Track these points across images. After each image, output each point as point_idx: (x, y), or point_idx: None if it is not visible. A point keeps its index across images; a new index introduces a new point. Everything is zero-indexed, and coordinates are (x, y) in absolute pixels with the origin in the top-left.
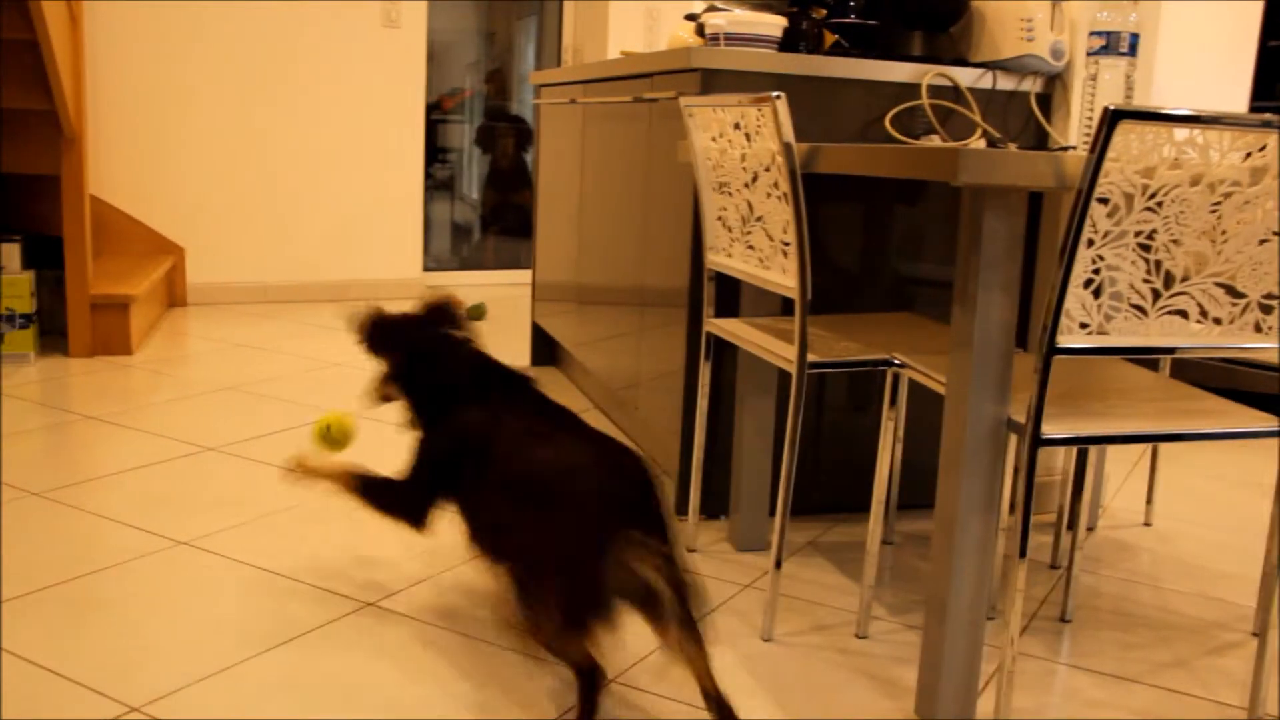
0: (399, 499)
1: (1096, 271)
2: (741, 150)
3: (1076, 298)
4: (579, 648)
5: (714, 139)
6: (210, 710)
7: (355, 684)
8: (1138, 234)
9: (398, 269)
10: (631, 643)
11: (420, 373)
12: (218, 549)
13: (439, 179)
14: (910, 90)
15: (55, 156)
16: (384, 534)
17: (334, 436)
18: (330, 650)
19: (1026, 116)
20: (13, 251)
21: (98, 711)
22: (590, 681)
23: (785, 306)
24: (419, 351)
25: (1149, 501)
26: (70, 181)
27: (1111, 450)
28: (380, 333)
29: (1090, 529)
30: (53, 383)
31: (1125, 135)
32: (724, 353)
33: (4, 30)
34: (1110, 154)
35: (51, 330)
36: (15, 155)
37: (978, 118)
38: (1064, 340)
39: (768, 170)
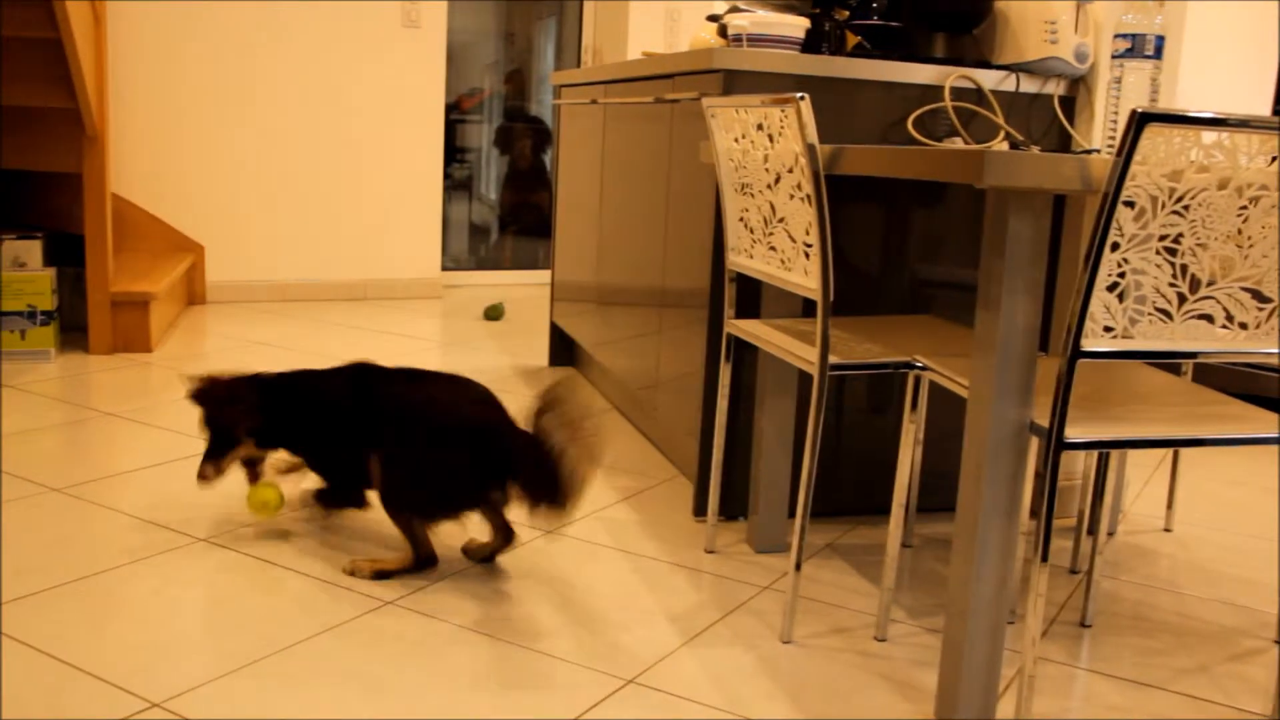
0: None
1: (1122, 275)
2: (764, 151)
3: (1101, 301)
4: (427, 537)
5: (736, 140)
6: (231, 706)
7: (375, 683)
8: (1163, 238)
9: (416, 268)
10: (647, 647)
11: (287, 414)
12: (238, 546)
13: (457, 179)
14: (932, 92)
15: (77, 154)
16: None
17: (270, 504)
18: (351, 648)
19: (1050, 120)
20: (34, 248)
21: (119, 707)
22: (426, 563)
23: (806, 308)
24: (275, 397)
25: (1169, 507)
26: (92, 179)
27: (1132, 455)
28: (225, 400)
29: (1110, 534)
30: (73, 379)
31: (1152, 138)
32: (743, 354)
33: (28, 29)
34: (1137, 157)
35: (72, 327)
36: (38, 153)
37: (1001, 120)
38: (1088, 344)
39: (790, 171)
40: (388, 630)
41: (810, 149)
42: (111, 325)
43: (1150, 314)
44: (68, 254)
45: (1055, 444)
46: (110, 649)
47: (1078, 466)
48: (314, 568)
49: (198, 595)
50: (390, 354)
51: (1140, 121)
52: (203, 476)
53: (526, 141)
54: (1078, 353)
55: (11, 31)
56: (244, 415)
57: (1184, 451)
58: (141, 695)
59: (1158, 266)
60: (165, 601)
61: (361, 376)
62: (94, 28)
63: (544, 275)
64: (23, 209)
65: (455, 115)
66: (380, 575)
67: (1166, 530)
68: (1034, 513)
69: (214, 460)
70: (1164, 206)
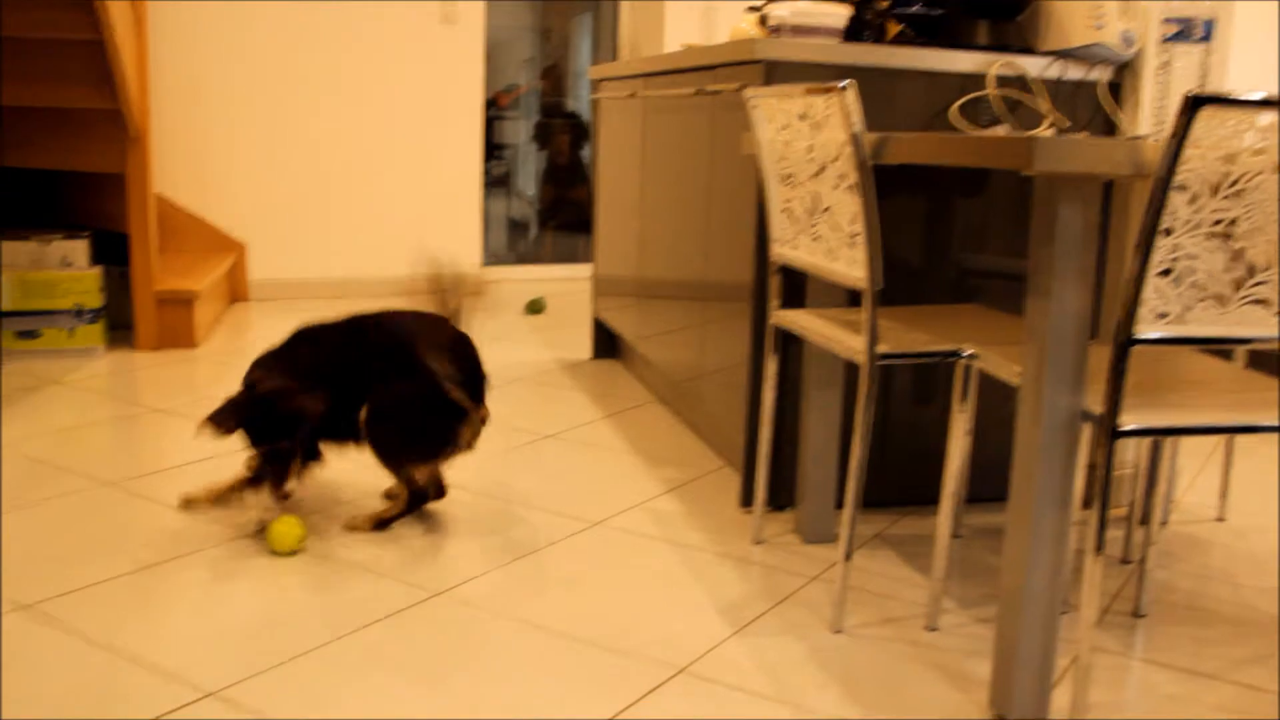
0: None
1: (1175, 260)
2: (808, 141)
3: (1154, 287)
4: (423, 475)
5: (779, 130)
6: (283, 697)
7: (425, 674)
8: (1218, 222)
9: (457, 264)
10: (697, 637)
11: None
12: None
13: (495, 175)
14: (976, 80)
15: (120, 155)
16: (457, 526)
17: (296, 536)
18: (401, 639)
19: (1095, 106)
20: (81, 248)
21: (173, 697)
22: (418, 498)
23: (851, 299)
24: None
25: (1223, 496)
26: (135, 179)
27: (1184, 444)
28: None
29: (1163, 523)
30: (120, 376)
31: (1206, 121)
32: (788, 345)
33: (71, 31)
34: (1189, 140)
35: (119, 325)
36: (82, 154)
37: (1046, 108)
38: (1141, 330)
39: (835, 161)
40: (437, 621)
41: (855, 138)
42: (157, 322)
43: (1205, 299)
44: (113, 253)
45: (1109, 431)
46: (163, 640)
47: (1129, 456)
48: (363, 560)
49: (247, 588)
50: None
51: (1193, 104)
52: (287, 495)
53: (564, 137)
54: (1131, 339)
55: (55, 34)
56: (308, 400)
57: (1237, 439)
58: (196, 685)
59: (1211, 251)
60: (216, 594)
61: (355, 326)
62: (135, 29)
63: (584, 270)
64: (69, 209)
65: (492, 112)
66: (380, 524)
67: (1220, 520)
68: (1085, 503)
69: (285, 467)
70: (1218, 191)
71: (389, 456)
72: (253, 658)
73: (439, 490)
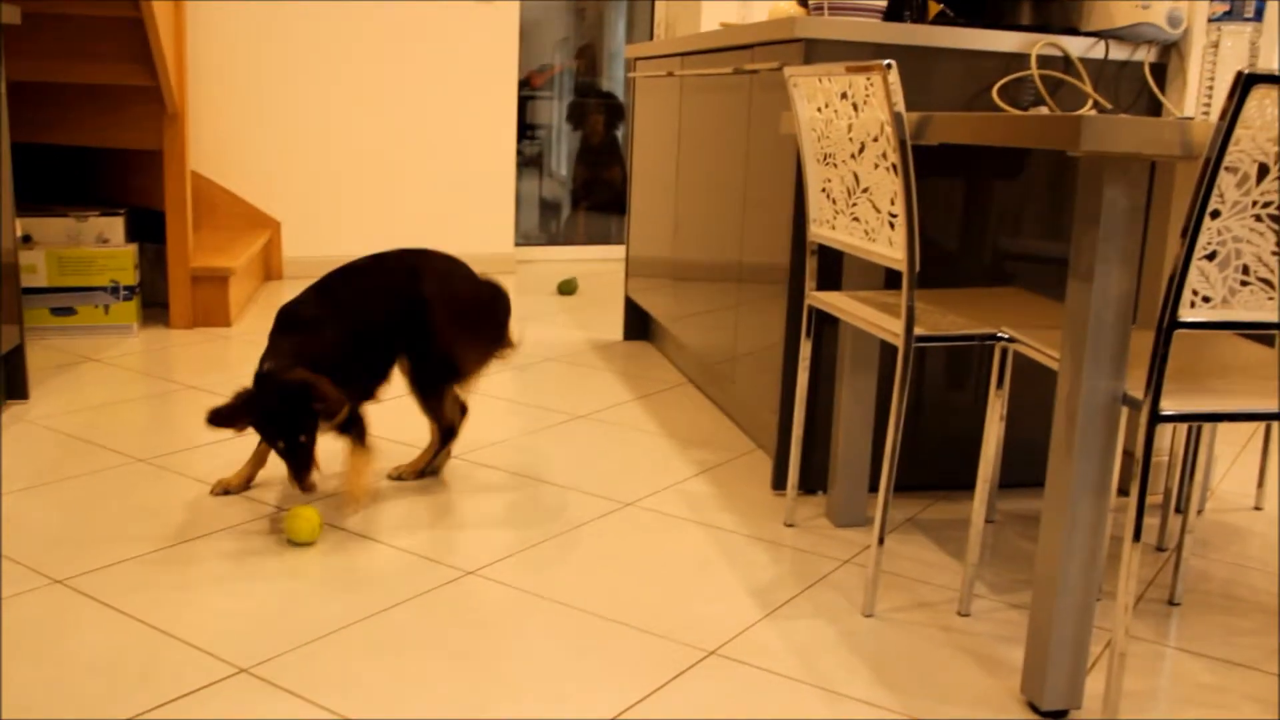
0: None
1: (1221, 243)
2: (848, 120)
3: (1200, 270)
4: (451, 412)
5: (819, 109)
6: (316, 673)
7: (457, 652)
8: (1267, 205)
9: (490, 244)
10: (728, 619)
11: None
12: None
13: (528, 155)
14: (1018, 61)
15: (157, 132)
16: (488, 506)
17: (315, 525)
18: (432, 617)
19: (1139, 88)
20: (117, 225)
21: (209, 672)
22: (451, 434)
23: (888, 280)
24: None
25: (1260, 485)
26: (172, 156)
27: (1220, 432)
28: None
29: (1199, 512)
30: (155, 353)
31: (1258, 101)
32: (822, 328)
33: (109, 8)
34: (1241, 121)
35: (153, 302)
36: (119, 131)
37: (1089, 88)
38: (1185, 314)
39: (875, 140)
40: (468, 600)
41: (897, 117)
42: (191, 300)
43: (1253, 283)
44: (149, 230)
45: (1151, 416)
46: (198, 616)
47: (1165, 443)
48: (395, 538)
49: (279, 565)
50: None
51: (1246, 83)
52: (311, 488)
53: (599, 117)
54: (1175, 323)
55: (93, 11)
56: (329, 391)
57: (1275, 427)
58: (230, 661)
59: (1260, 234)
60: (247, 570)
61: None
62: (173, 7)
63: (616, 251)
64: (105, 186)
65: (525, 92)
66: (422, 472)
67: (1257, 509)
68: (1121, 490)
69: (306, 461)
70: (1268, 172)
71: (468, 355)
72: (284, 635)
73: (463, 409)
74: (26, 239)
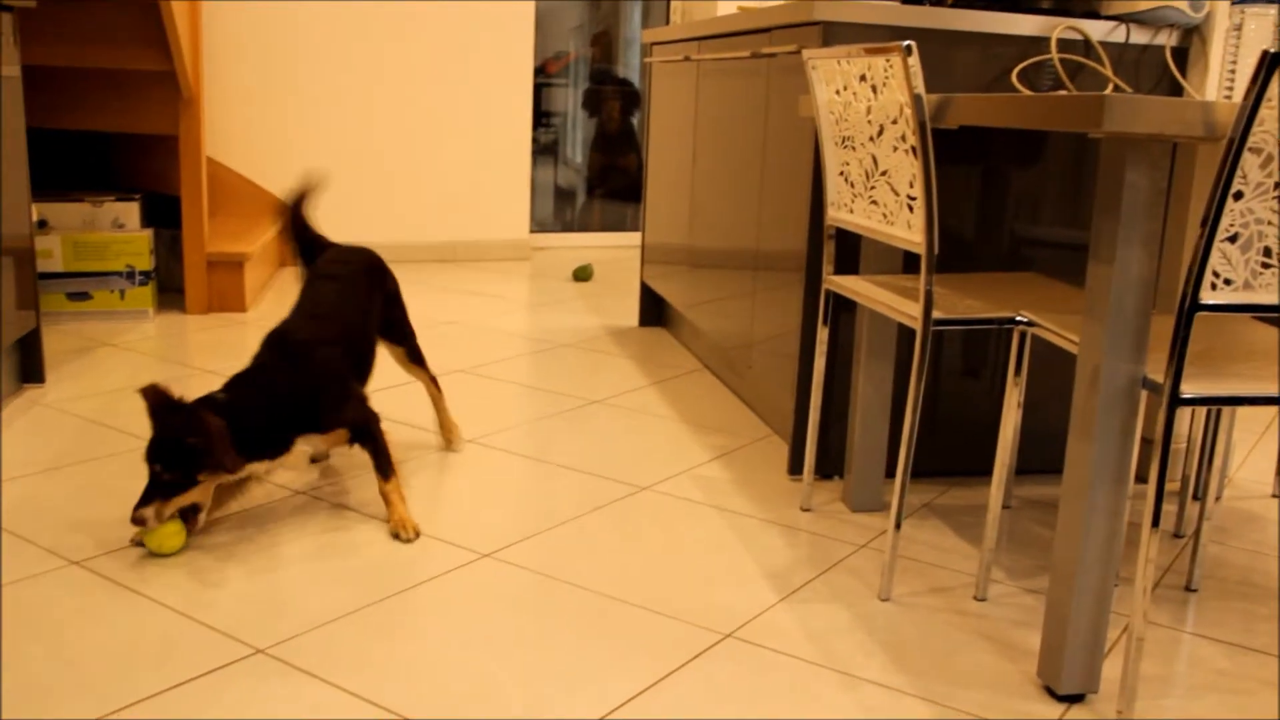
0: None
1: (1244, 225)
2: (867, 103)
3: (1221, 253)
4: None
5: (838, 92)
6: (333, 654)
7: (474, 634)
8: None
9: (505, 230)
10: (744, 602)
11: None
12: (335, 499)
13: (543, 143)
14: (1038, 44)
15: (173, 117)
16: (505, 489)
17: (178, 534)
18: (449, 600)
19: (1160, 73)
20: (132, 210)
21: (227, 653)
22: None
23: (906, 265)
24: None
25: (1278, 472)
26: (188, 141)
27: (1238, 419)
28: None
29: (1217, 499)
30: (171, 338)
31: None
32: (838, 314)
33: None
34: (1265, 101)
35: (169, 288)
36: (135, 116)
37: (1109, 73)
38: (1207, 297)
39: (894, 123)
40: (484, 583)
41: (917, 99)
42: (207, 285)
43: (1274, 266)
44: (164, 216)
45: (1171, 399)
46: (215, 597)
47: (1183, 429)
48: (413, 519)
49: (296, 548)
50: (482, 313)
51: (1271, 63)
52: (141, 521)
53: (615, 104)
54: (1195, 305)
55: None
56: (221, 447)
57: None
58: (248, 642)
59: None
60: (264, 552)
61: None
62: None
63: (631, 238)
64: (121, 171)
65: (540, 79)
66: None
67: (1275, 496)
68: (1138, 477)
69: (157, 497)
70: None
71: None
72: (301, 616)
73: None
74: (42, 224)
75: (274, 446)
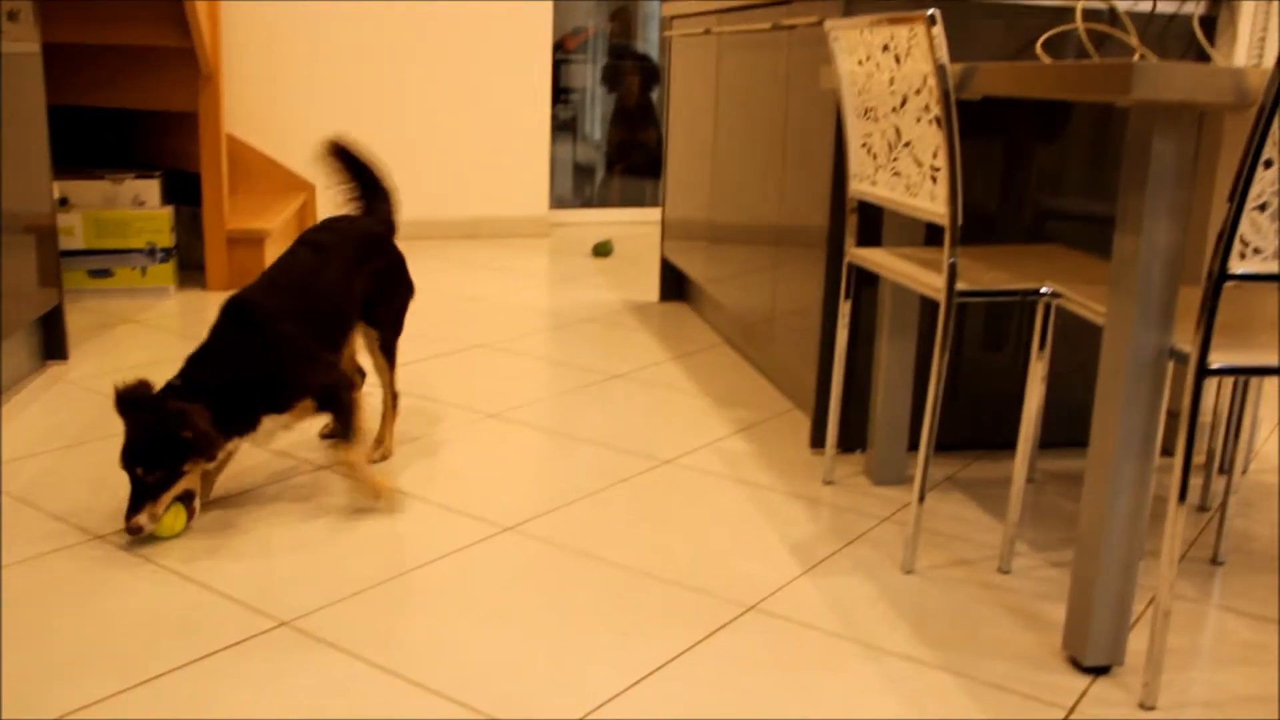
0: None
1: (1275, 194)
2: (890, 74)
3: (1251, 221)
4: None
5: (860, 63)
6: (354, 627)
7: (493, 608)
8: None
9: (524, 206)
10: (767, 574)
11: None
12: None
13: (561, 119)
14: (1063, 14)
15: (193, 93)
16: (526, 462)
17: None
18: (468, 573)
19: (1187, 43)
20: (153, 187)
21: (252, 625)
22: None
23: (928, 237)
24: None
25: None
26: (207, 118)
27: (1264, 393)
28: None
29: (1243, 472)
30: (192, 315)
31: None
32: (860, 289)
33: None
34: None
35: (190, 264)
36: (155, 93)
37: (1135, 42)
38: (1236, 266)
39: (918, 93)
40: (507, 556)
41: (940, 69)
42: (228, 262)
43: None
44: (185, 193)
45: (1199, 369)
46: (239, 570)
47: (1208, 403)
48: (433, 494)
49: (321, 520)
50: (503, 289)
51: None
52: (137, 530)
53: (634, 79)
54: (1224, 274)
55: None
56: (205, 433)
57: None
58: (271, 614)
59: None
60: (286, 527)
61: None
62: None
63: (650, 213)
64: (141, 149)
65: (559, 55)
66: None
67: None
68: (1163, 451)
69: (146, 500)
70: None
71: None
72: (325, 589)
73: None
74: (63, 201)
75: (240, 425)
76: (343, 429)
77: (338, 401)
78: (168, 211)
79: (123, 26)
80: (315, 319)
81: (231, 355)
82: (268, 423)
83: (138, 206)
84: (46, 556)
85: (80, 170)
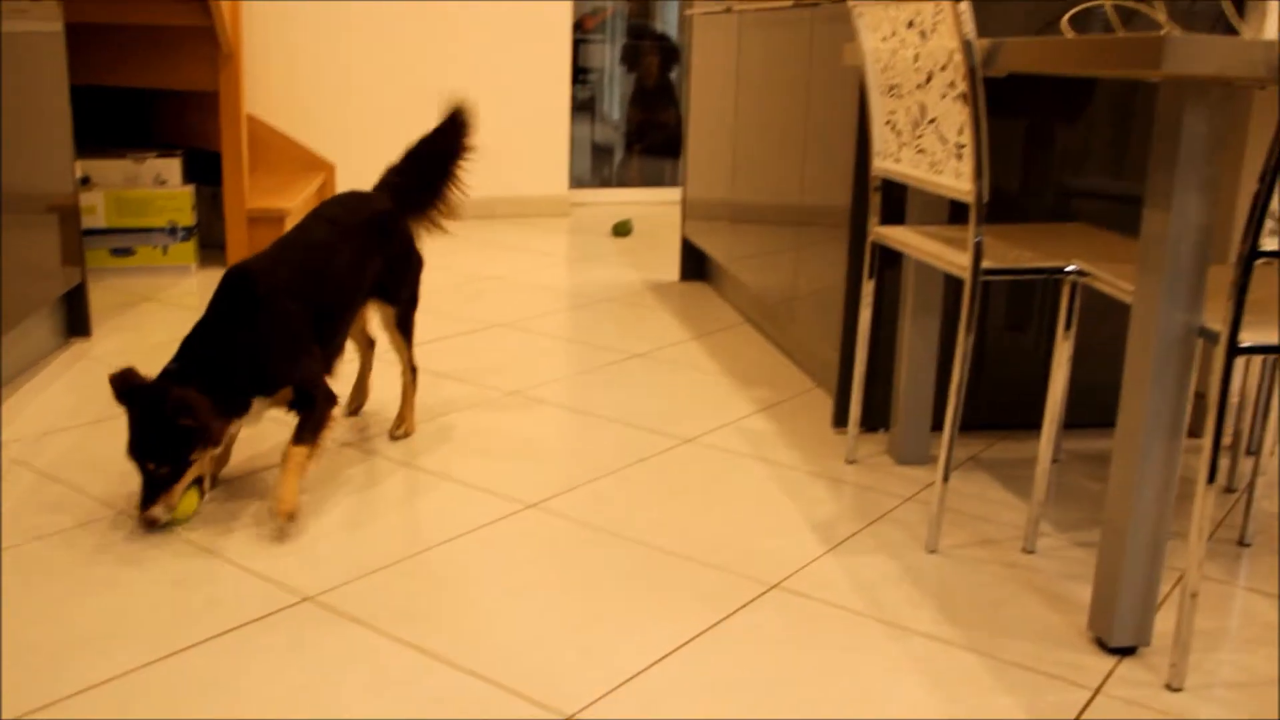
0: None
1: None
2: (915, 50)
3: None
4: None
5: (884, 39)
6: (377, 602)
7: (517, 584)
8: None
9: (544, 186)
10: (790, 553)
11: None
12: (380, 451)
13: (580, 99)
14: None
15: (213, 73)
16: (548, 441)
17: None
18: (492, 550)
19: (1215, 19)
20: (174, 166)
21: (276, 599)
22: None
23: (952, 216)
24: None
25: None
26: (228, 97)
27: None
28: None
29: (1271, 453)
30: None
31: None
32: (883, 269)
33: None
34: None
35: (210, 243)
36: (175, 72)
37: (1163, 18)
38: (1268, 243)
39: (943, 70)
40: (528, 533)
41: (967, 45)
42: (248, 241)
43: None
44: (205, 172)
45: (1230, 348)
46: (263, 546)
47: (1235, 384)
48: (456, 471)
49: (345, 496)
50: (523, 269)
51: None
52: (153, 522)
53: (654, 59)
54: (1255, 252)
55: None
56: (211, 422)
57: None
58: (295, 589)
59: None
60: (313, 501)
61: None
62: None
63: (670, 193)
64: (163, 128)
65: (577, 35)
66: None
67: None
68: (1190, 433)
69: (160, 491)
70: None
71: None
72: (348, 565)
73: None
74: (85, 180)
75: (234, 408)
76: (310, 434)
77: (311, 400)
78: (189, 190)
79: (144, 6)
80: (321, 296)
81: (228, 333)
82: (257, 404)
83: (159, 185)
84: (71, 531)
85: (102, 149)
